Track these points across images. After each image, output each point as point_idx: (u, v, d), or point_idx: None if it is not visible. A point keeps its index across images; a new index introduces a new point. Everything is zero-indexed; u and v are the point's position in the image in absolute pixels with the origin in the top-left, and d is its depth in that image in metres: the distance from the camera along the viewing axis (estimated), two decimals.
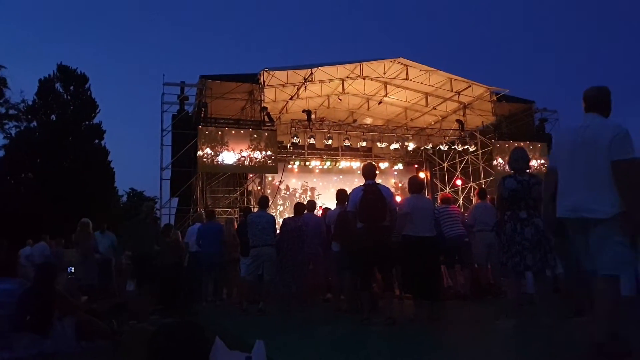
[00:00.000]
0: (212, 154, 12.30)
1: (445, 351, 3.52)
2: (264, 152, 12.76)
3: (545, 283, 4.17)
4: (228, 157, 12.47)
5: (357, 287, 5.30)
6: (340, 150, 16.84)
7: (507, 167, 14.26)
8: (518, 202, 4.01)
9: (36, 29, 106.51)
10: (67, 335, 3.58)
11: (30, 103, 22.17)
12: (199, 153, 12.14)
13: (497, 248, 6.17)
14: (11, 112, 21.98)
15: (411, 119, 17.07)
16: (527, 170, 4.21)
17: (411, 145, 16.37)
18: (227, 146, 12.46)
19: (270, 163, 12.86)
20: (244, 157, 12.58)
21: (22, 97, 22.19)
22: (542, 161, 14.71)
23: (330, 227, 6.44)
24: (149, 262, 6.24)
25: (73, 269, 9.49)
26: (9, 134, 21.94)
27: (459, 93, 15.26)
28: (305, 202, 7.53)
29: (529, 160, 4.32)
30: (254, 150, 12.66)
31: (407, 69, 14.52)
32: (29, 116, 22.21)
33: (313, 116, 14.74)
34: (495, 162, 14.92)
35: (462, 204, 16.15)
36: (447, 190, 17.06)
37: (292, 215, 7.04)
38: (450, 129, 16.27)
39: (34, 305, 3.93)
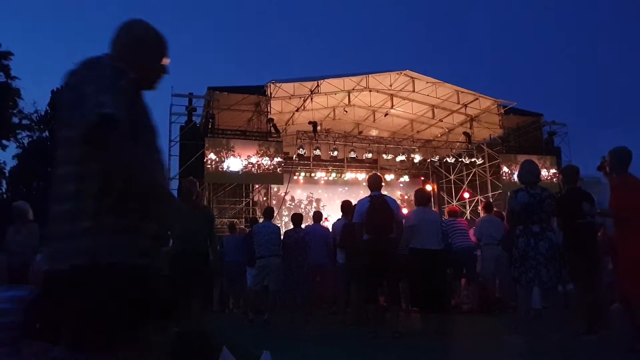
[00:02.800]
0: (217, 159, 12.31)
1: None
2: (274, 159, 12.82)
3: (556, 298, 4.10)
4: (234, 163, 12.46)
5: (364, 300, 5.27)
6: (345, 161, 16.84)
7: (513, 177, 14.16)
8: (531, 216, 3.94)
9: (50, 41, 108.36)
10: None
11: (42, 113, 22.61)
12: (205, 160, 12.19)
13: (505, 262, 6.13)
14: (24, 122, 22.39)
15: (417, 131, 17.07)
16: (538, 183, 4.16)
17: (417, 158, 16.30)
18: (234, 151, 12.47)
19: (279, 171, 12.92)
20: (252, 163, 12.62)
21: (35, 107, 22.66)
22: (554, 171, 14.39)
23: (335, 238, 6.44)
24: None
25: None
26: (22, 143, 22.36)
27: (465, 105, 15.26)
28: (311, 214, 7.54)
29: (539, 174, 4.23)
30: (262, 156, 12.70)
31: (414, 81, 14.57)
32: (42, 126, 22.63)
33: (319, 128, 14.77)
34: (501, 172, 14.79)
35: (469, 217, 16.05)
36: (454, 203, 16.99)
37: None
38: (457, 142, 16.24)
39: (42, 311, 3.96)
